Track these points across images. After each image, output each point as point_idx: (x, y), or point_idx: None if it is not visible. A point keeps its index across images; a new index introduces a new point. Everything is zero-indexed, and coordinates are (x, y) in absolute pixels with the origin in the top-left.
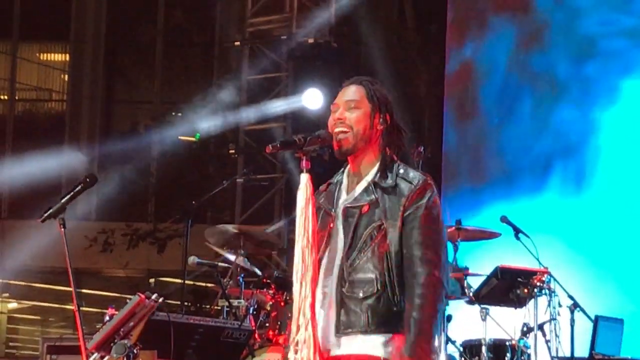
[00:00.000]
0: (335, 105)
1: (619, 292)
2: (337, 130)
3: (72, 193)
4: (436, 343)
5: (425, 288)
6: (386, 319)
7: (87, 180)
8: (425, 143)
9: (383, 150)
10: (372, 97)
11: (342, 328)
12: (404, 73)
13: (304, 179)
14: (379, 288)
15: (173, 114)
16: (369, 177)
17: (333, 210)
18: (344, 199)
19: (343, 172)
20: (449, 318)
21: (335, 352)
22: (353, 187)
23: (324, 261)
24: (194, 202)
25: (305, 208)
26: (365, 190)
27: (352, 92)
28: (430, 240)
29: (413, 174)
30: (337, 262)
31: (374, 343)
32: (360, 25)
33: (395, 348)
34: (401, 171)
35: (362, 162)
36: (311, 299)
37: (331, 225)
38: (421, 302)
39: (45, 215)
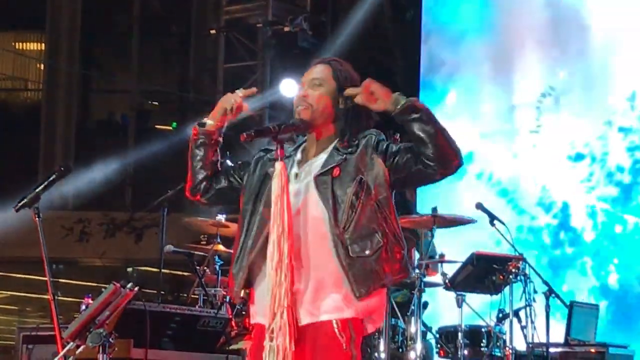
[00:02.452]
0: (302, 84)
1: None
2: (298, 107)
3: (46, 182)
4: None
5: None
6: (398, 265)
7: (62, 169)
8: (402, 130)
9: (342, 128)
10: (337, 77)
11: (363, 291)
12: (381, 61)
13: (279, 167)
14: (383, 239)
15: (150, 103)
16: (329, 149)
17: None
18: (302, 168)
19: (297, 149)
20: (425, 305)
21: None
22: (309, 157)
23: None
24: (169, 191)
25: (281, 196)
26: (330, 156)
27: (318, 70)
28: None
29: (367, 131)
30: (323, 230)
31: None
32: (336, 13)
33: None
34: (359, 136)
35: (320, 138)
36: (287, 285)
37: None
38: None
39: (20, 204)
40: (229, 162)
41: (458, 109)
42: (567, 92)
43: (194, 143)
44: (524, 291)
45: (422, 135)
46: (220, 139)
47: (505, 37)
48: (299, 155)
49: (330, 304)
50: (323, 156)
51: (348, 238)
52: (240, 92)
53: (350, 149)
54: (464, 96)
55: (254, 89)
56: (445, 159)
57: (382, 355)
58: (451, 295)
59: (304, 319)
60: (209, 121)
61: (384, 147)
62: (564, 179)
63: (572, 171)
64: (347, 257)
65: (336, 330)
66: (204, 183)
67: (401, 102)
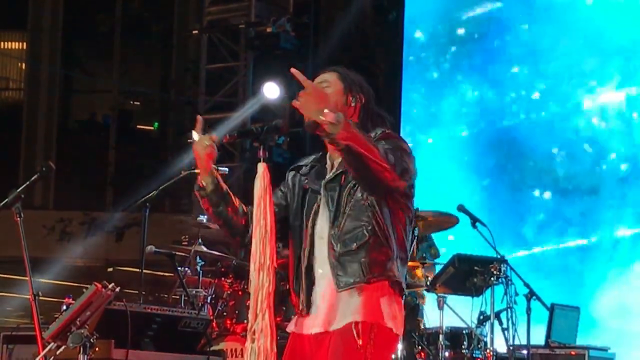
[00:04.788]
0: None
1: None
2: None
3: (28, 182)
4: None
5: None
6: (382, 265)
7: (43, 169)
8: None
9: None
10: (344, 78)
11: (342, 285)
12: (362, 63)
13: (261, 168)
14: (369, 235)
15: (132, 103)
16: None
17: (320, 189)
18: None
19: (325, 155)
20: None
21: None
22: (334, 162)
23: (317, 239)
24: (155, 192)
25: (263, 197)
26: (341, 163)
27: (324, 75)
28: (390, 145)
29: (374, 130)
30: (326, 235)
31: (369, 300)
32: (319, 15)
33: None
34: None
35: None
36: (269, 287)
37: (318, 204)
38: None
39: (1, 204)
40: None
41: None
42: None
43: (211, 208)
44: (505, 293)
45: (351, 166)
46: (225, 186)
47: None
48: (328, 162)
49: (343, 310)
50: (339, 160)
51: (339, 236)
52: (195, 134)
53: None
54: None
55: (199, 118)
56: (375, 184)
57: None
58: (432, 296)
59: (323, 327)
60: (204, 181)
61: None
62: None
63: None
64: (336, 254)
65: (354, 331)
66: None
67: (333, 130)
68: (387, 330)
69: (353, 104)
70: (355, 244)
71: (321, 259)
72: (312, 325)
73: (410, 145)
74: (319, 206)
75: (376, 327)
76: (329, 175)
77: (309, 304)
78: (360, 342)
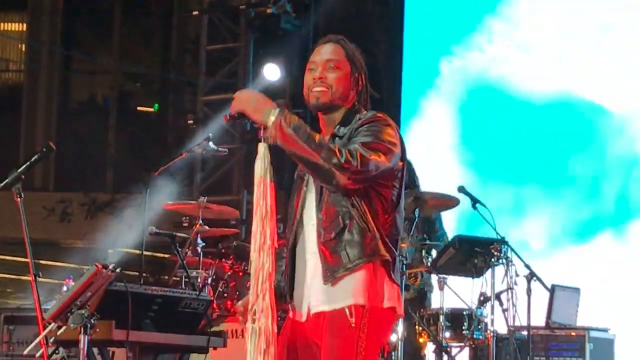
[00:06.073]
0: (314, 64)
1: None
2: (316, 89)
3: (28, 163)
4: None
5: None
6: (364, 248)
7: (44, 149)
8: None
9: (353, 108)
10: (350, 58)
11: (329, 274)
12: (362, 44)
13: (262, 148)
14: (346, 221)
15: (132, 83)
16: (331, 132)
17: (305, 174)
18: None
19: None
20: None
21: (321, 308)
22: None
23: (304, 225)
24: (154, 173)
25: (264, 177)
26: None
27: (330, 51)
28: (369, 132)
29: (366, 112)
30: (315, 220)
31: (358, 283)
32: None
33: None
34: (358, 116)
35: (332, 122)
36: (269, 267)
37: (304, 188)
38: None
39: (1, 185)
40: None
41: None
42: None
43: None
44: (506, 274)
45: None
46: None
47: None
48: None
49: (332, 296)
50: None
51: (321, 223)
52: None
53: (343, 132)
54: None
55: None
56: (325, 177)
57: None
58: (433, 277)
59: (315, 307)
60: None
61: (359, 130)
62: None
63: None
64: (320, 242)
65: (347, 312)
66: None
67: (268, 123)
68: (381, 311)
69: (356, 88)
70: (333, 233)
71: (310, 245)
72: (297, 312)
73: (396, 128)
74: (306, 190)
75: (369, 310)
76: None
77: (290, 290)
78: (353, 322)
